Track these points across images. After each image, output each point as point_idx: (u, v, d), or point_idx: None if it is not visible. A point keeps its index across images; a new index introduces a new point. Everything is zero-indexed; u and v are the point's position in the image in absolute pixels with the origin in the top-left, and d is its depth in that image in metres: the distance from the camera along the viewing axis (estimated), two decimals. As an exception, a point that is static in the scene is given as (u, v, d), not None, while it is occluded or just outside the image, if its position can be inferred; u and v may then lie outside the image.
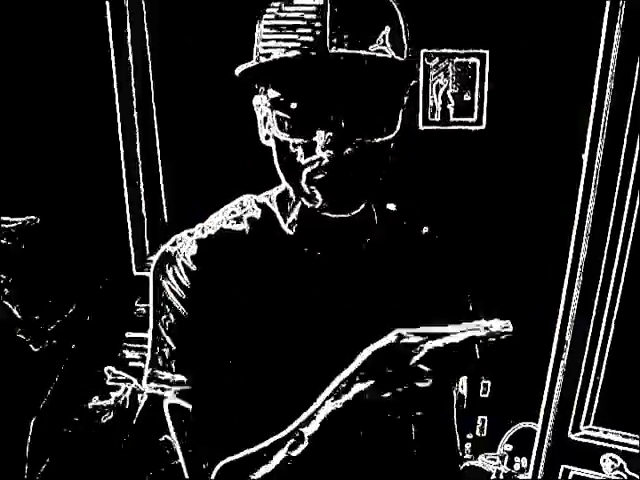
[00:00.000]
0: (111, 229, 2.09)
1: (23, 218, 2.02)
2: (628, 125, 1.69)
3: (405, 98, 0.84)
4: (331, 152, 0.76)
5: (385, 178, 0.88)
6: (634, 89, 1.66)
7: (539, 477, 1.95)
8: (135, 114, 2.09)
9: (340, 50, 0.75)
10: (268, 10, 0.83)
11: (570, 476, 1.94)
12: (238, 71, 0.84)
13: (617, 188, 1.74)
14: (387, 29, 0.78)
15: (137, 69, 2.05)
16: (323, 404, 0.77)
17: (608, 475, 1.87)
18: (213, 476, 0.85)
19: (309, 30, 0.76)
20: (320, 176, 0.79)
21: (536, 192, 1.88)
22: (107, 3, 1.94)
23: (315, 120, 0.78)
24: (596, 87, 1.69)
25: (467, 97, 1.86)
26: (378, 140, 0.80)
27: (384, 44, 0.78)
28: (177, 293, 0.88)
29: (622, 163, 1.72)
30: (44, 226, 2.04)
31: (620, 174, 1.73)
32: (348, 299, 0.87)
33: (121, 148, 2.06)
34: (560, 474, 1.94)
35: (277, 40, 0.80)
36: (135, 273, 2.15)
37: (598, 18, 1.65)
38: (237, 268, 0.90)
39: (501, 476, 2.05)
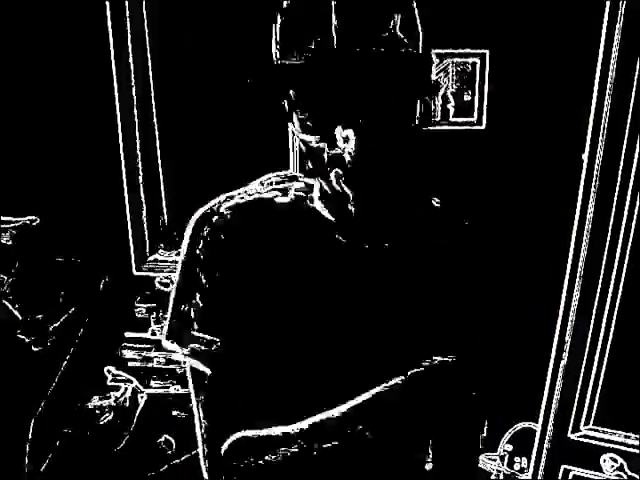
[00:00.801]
0: (111, 229, 2.09)
1: (23, 218, 2.02)
2: (628, 125, 1.69)
3: (423, 91, 0.83)
4: (351, 148, 0.77)
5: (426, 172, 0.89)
6: (634, 89, 1.66)
7: (539, 477, 1.95)
8: (135, 114, 2.09)
9: (349, 46, 0.75)
10: (281, 10, 0.81)
11: (570, 476, 1.94)
12: (252, 79, 0.85)
13: (617, 188, 1.74)
14: (398, 17, 0.78)
15: (137, 69, 2.05)
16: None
17: (608, 475, 1.87)
18: (225, 446, 0.84)
19: (317, 30, 0.76)
20: (345, 171, 0.80)
21: (536, 192, 1.88)
22: (107, 3, 1.94)
23: (333, 118, 0.78)
24: (596, 87, 1.69)
25: (467, 97, 1.86)
26: (396, 132, 0.81)
27: (395, 34, 0.77)
28: (207, 254, 0.88)
29: (622, 163, 1.72)
30: (44, 226, 2.04)
31: (620, 174, 1.73)
32: (383, 288, 0.87)
33: (121, 149, 2.06)
34: (560, 474, 1.94)
35: (289, 43, 0.79)
36: (135, 273, 2.15)
37: (598, 18, 1.65)
38: (268, 240, 0.89)
39: (501, 476, 2.05)
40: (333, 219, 0.89)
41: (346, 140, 0.77)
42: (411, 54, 0.79)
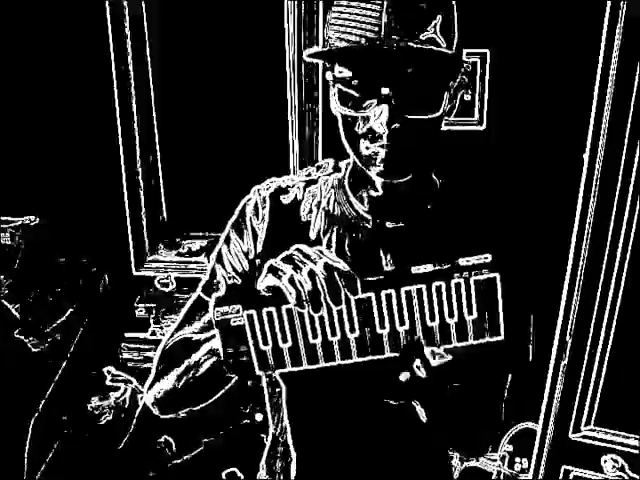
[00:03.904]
0: (111, 229, 2.10)
1: (23, 218, 2.02)
2: (629, 125, 1.69)
3: (453, 83, 0.95)
4: (383, 125, 0.89)
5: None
6: (634, 89, 1.65)
7: (540, 477, 1.95)
8: (135, 115, 2.09)
9: (394, 37, 0.87)
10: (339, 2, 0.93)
11: (571, 476, 1.93)
12: (309, 52, 0.95)
13: (618, 188, 1.74)
14: (439, 18, 0.89)
15: (137, 70, 2.06)
16: None
17: (609, 476, 1.87)
18: None
19: (368, 19, 0.88)
20: (375, 145, 0.91)
21: (536, 192, 1.88)
22: (107, 6, 1.95)
23: (370, 97, 0.90)
24: (597, 87, 1.69)
25: (467, 97, 1.86)
26: (424, 117, 0.91)
27: (435, 32, 0.88)
28: (249, 229, 1.05)
29: (623, 164, 1.72)
30: (44, 226, 2.05)
31: (621, 175, 1.73)
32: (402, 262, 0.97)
33: (121, 149, 2.06)
34: (561, 474, 1.93)
35: (342, 26, 0.91)
36: (135, 273, 2.15)
37: (599, 19, 1.65)
38: (298, 220, 1.05)
39: (502, 476, 2.05)
40: (358, 200, 1.03)
41: (379, 116, 0.89)
42: (442, 53, 0.89)
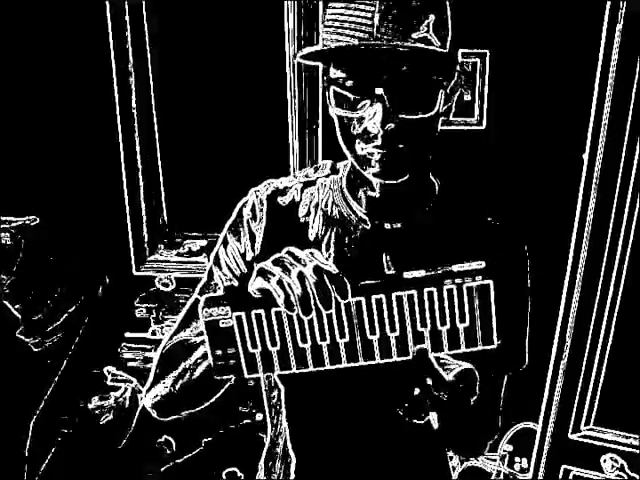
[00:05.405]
0: (111, 229, 2.10)
1: (23, 218, 2.02)
2: (628, 125, 1.69)
3: (448, 82, 0.94)
4: (377, 125, 0.89)
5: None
6: (634, 89, 1.66)
7: (540, 477, 1.95)
8: (135, 115, 2.09)
9: (386, 37, 0.87)
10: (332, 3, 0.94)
11: (570, 476, 1.93)
12: (302, 53, 0.95)
13: (617, 188, 1.74)
14: (432, 18, 0.88)
15: (137, 69, 2.06)
16: None
17: (608, 475, 1.87)
18: None
19: (360, 20, 0.88)
20: (369, 145, 0.91)
21: (536, 191, 1.88)
22: (107, 4, 1.95)
23: (364, 98, 0.90)
24: (596, 87, 1.69)
25: (467, 97, 1.87)
26: (418, 117, 0.91)
27: (428, 32, 0.88)
28: (245, 228, 1.06)
29: (622, 163, 1.72)
30: (44, 226, 2.05)
31: (620, 175, 1.73)
32: (399, 263, 0.98)
33: (121, 149, 2.06)
34: (560, 474, 1.94)
35: (334, 27, 0.91)
36: (135, 273, 2.15)
37: (599, 18, 1.65)
38: (296, 222, 1.05)
39: (501, 476, 2.05)
40: (356, 201, 1.03)
41: (373, 117, 0.89)
42: (434, 52, 0.89)
